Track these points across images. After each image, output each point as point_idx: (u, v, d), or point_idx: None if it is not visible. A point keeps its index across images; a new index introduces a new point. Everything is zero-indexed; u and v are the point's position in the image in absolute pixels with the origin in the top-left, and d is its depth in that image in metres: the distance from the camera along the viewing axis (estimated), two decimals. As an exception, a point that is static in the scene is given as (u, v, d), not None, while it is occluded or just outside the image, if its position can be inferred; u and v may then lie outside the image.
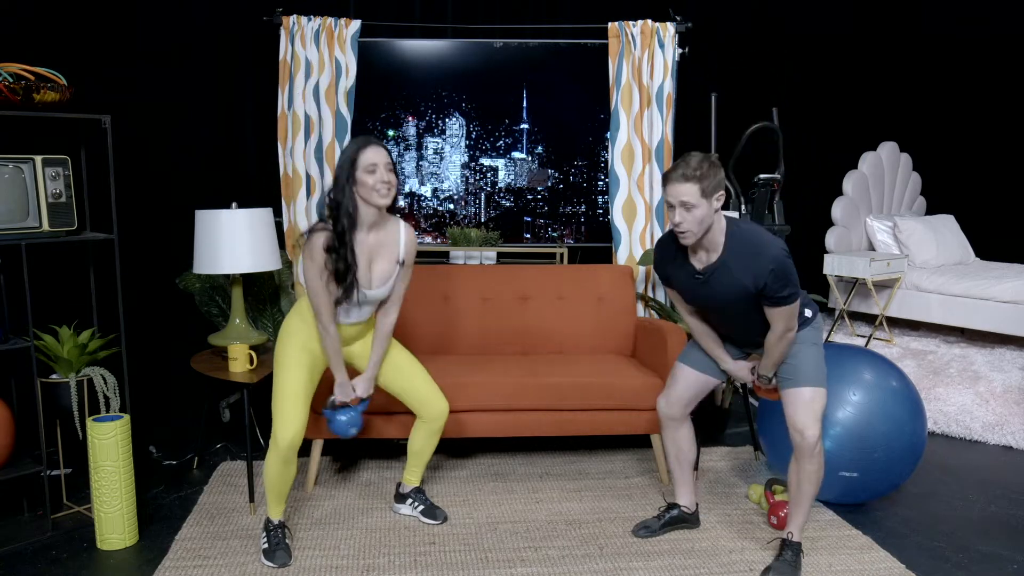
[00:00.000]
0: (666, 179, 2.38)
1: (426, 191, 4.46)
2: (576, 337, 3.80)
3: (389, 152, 2.61)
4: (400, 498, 3.06)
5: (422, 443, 2.99)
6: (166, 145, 4.28)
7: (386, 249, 2.70)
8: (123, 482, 2.76)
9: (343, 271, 2.57)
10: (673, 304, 4.28)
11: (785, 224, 3.80)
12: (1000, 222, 5.91)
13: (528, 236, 4.53)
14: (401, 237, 2.74)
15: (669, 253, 2.60)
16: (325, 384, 2.85)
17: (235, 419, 4.05)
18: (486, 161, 4.47)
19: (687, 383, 2.78)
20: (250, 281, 3.83)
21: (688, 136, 4.47)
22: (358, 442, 3.66)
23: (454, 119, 4.42)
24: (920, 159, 5.94)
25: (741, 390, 4.04)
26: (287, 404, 2.65)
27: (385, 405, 3.12)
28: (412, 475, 3.05)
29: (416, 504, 3.01)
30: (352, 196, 2.57)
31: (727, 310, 2.54)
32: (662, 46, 4.20)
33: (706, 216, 2.36)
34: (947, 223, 5.57)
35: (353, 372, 2.88)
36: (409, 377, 2.91)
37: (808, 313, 2.59)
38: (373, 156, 2.55)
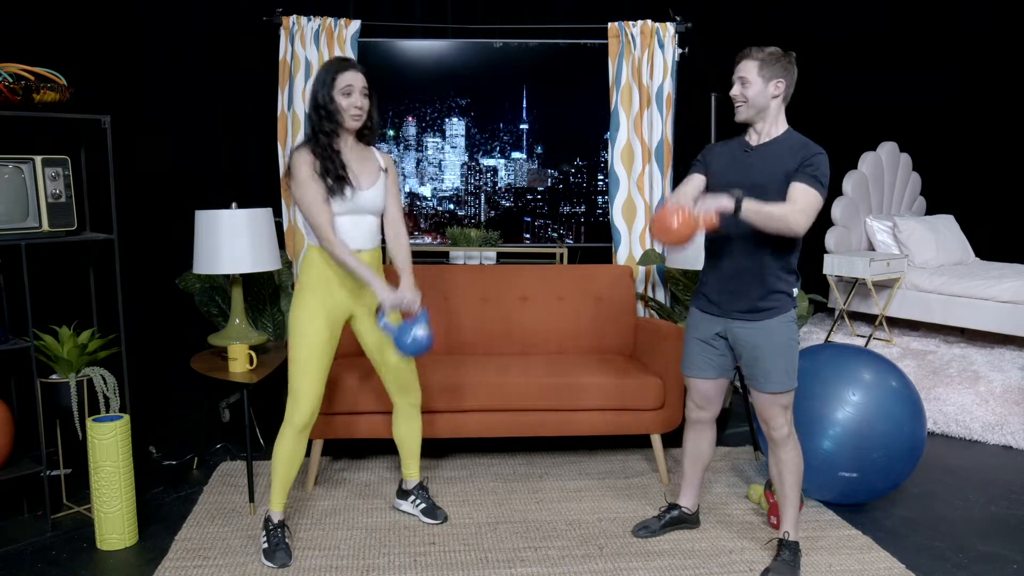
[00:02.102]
0: (736, 57, 2.53)
1: (426, 191, 4.46)
2: (576, 337, 3.80)
3: (366, 76, 2.66)
4: (403, 494, 3.06)
5: (403, 431, 3.00)
6: (166, 145, 4.28)
7: (366, 164, 2.73)
8: (123, 482, 2.76)
9: (331, 168, 2.59)
10: (673, 303, 4.29)
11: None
12: (1000, 222, 5.91)
13: (528, 236, 4.53)
14: (376, 153, 2.79)
15: (723, 141, 2.70)
16: (339, 375, 2.84)
17: (235, 419, 4.05)
18: (486, 161, 4.47)
19: (700, 390, 2.77)
20: (250, 281, 3.84)
21: (688, 136, 4.47)
22: (358, 442, 3.67)
23: (454, 119, 4.42)
24: (920, 159, 5.94)
25: (739, 388, 4.03)
26: (304, 378, 2.65)
27: (386, 405, 3.12)
28: (409, 468, 3.05)
29: (418, 502, 3.01)
30: (330, 113, 2.62)
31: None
32: (662, 46, 4.20)
33: (759, 95, 2.48)
34: (947, 223, 5.57)
35: (359, 358, 2.87)
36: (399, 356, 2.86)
37: (794, 292, 2.58)
38: (351, 78, 2.60)
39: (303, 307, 2.68)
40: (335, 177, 2.59)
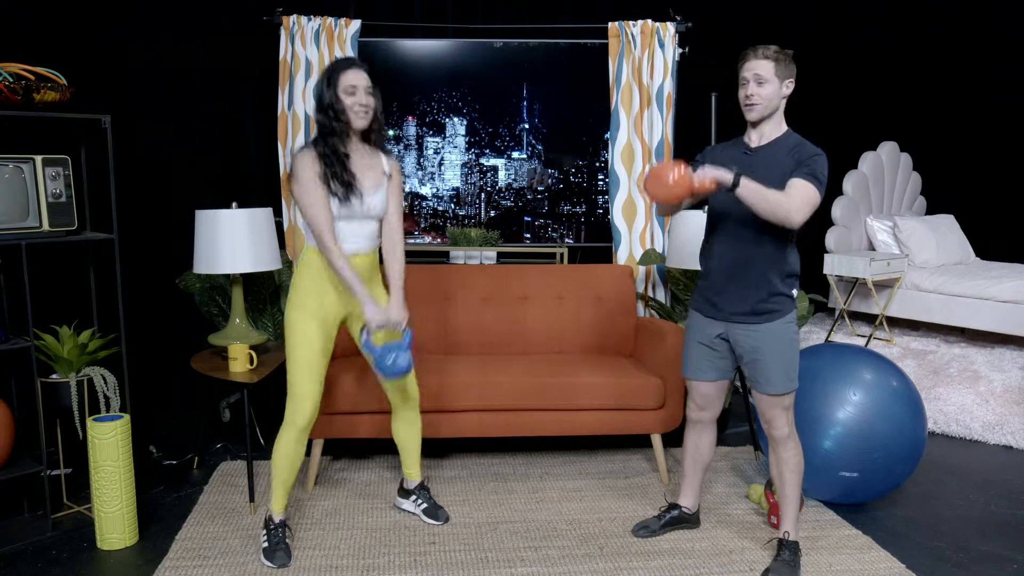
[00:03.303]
0: (744, 56, 2.49)
1: (426, 191, 4.46)
2: (576, 337, 3.80)
3: (369, 75, 2.63)
4: (404, 493, 3.06)
5: (404, 434, 3.00)
6: (166, 145, 4.28)
7: (371, 168, 2.71)
8: (123, 482, 2.76)
9: (339, 173, 2.57)
10: (673, 303, 4.29)
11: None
12: (1000, 222, 5.91)
13: (528, 236, 4.53)
14: (383, 158, 2.75)
15: (722, 143, 2.68)
16: (338, 375, 2.85)
17: (235, 419, 4.05)
18: (486, 161, 4.47)
19: (701, 391, 2.77)
20: (250, 281, 3.84)
21: (688, 136, 4.47)
22: (358, 442, 3.66)
23: (454, 119, 4.42)
24: (920, 159, 5.94)
25: (739, 388, 4.02)
26: (302, 378, 2.64)
27: (386, 405, 3.12)
28: (410, 468, 3.05)
29: (420, 502, 3.01)
30: (337, 112, 2.59)
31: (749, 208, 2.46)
32: (662, 46, 4.20)
33: (774, 95, 2.47)
34: (947, 223, 5.56)
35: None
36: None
37: (794, 293, 2.58)
38: (353, 78, 2.58)
39: (299, 307, 2.67)
40: (343, 183, 2.58)
